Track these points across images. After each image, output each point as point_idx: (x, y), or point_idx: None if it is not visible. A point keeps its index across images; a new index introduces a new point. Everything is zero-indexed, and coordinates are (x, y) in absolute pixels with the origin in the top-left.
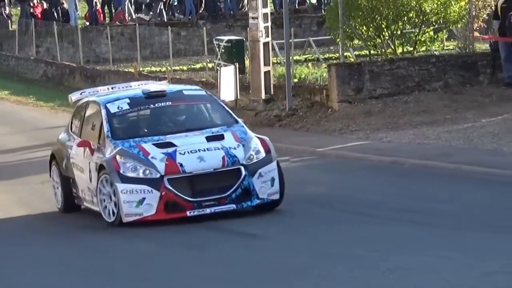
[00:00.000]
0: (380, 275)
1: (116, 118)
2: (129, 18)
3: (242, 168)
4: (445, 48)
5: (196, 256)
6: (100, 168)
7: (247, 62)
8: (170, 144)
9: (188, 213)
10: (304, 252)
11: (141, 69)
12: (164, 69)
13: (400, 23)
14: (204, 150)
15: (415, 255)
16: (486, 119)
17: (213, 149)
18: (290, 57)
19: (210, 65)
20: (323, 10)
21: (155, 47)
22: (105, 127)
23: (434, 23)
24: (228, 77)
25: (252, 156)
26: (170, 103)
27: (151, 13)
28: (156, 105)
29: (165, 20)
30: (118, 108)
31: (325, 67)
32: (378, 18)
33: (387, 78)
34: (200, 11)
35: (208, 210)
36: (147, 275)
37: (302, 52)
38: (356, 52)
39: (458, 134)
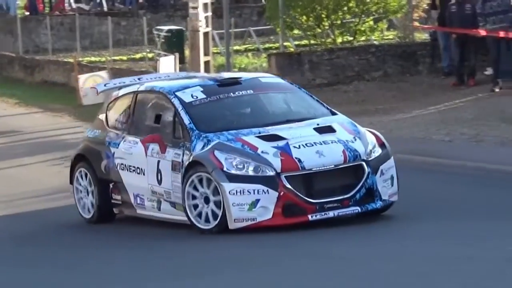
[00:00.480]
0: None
1: (193, 108)
2: (69, 8)
3: (365, 164)
4: (385, 38)
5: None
6: (189, 167)
7: (187, 52)
8: (277, 137)
9: (310, 217)
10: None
11: (80, 59)
12: (103, 59)
13: (340, 13)
14: (321, 144)
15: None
16: (419, 109)
17: (330, 142)
18: (230, 47)
19: (150, 55)
20: (263, 0)
21: (95, 37)
22: (185, 119)
23: (374, 13)
24: (168, 67)
25: (371, 151)
26: (251, 91)
27: (91, 2)
28: (237, 93)
29: (106, 10)
30: (192, 97)
31: (265, 57)
32: (318, 8)
33: (326, 68)
34: (140, 1)
35: (331, 214)
36: None
37: (242, 42)
38: (296, 42)
39: (390, 124)
